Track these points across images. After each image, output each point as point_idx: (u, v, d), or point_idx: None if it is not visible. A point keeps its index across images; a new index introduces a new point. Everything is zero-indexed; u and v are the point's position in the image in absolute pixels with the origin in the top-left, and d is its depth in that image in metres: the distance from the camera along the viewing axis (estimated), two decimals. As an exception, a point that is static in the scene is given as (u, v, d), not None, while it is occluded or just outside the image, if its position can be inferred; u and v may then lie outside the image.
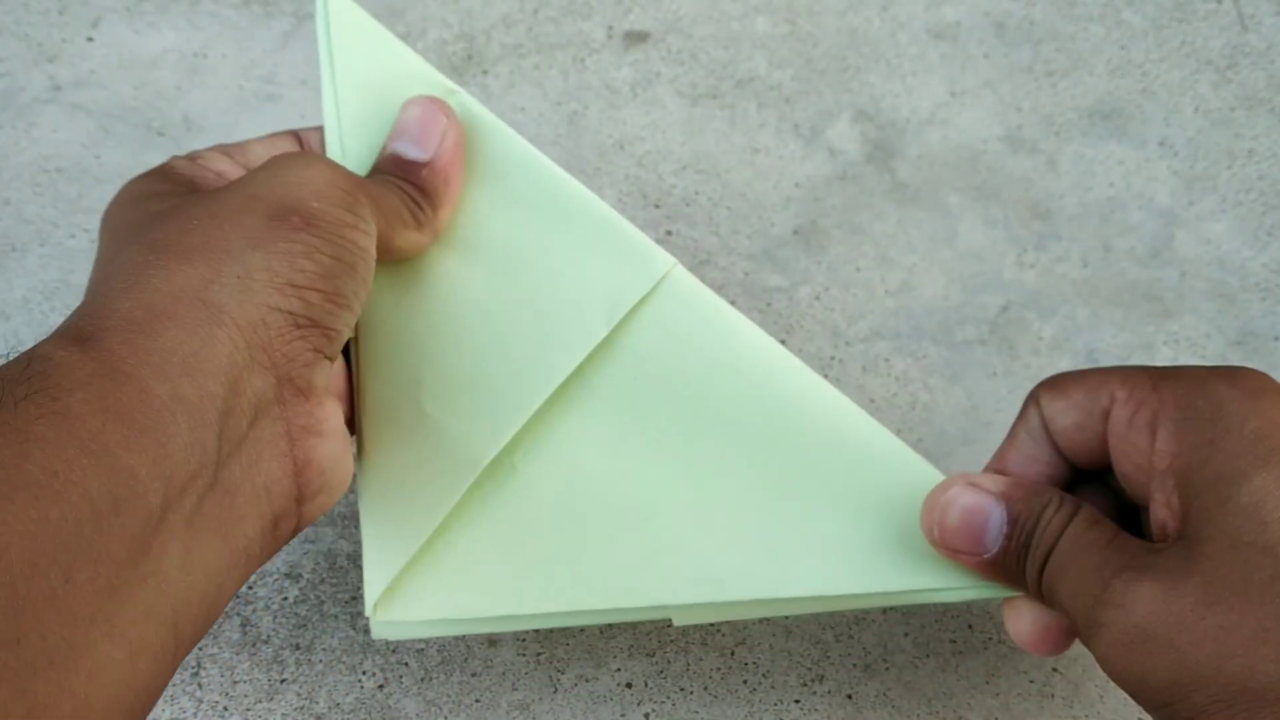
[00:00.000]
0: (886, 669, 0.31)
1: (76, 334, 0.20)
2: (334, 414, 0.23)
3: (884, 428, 0.26)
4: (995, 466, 0.25)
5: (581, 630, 0.31)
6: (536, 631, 0.31)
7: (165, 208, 0.23)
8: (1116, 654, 0.20)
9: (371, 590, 0.26)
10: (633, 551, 0.26)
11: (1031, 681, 0.30)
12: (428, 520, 0.26)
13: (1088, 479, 0.25)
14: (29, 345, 0.36)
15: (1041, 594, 0.23)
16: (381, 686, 0.30)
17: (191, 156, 0.26)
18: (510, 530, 0.26)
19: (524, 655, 0.31)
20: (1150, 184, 0.40)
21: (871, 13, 0.44)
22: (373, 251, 0.23)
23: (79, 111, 0.41)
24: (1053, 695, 0.30)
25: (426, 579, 0.26)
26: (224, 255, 0.21)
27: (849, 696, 0.30)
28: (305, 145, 0.27)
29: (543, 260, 0.27)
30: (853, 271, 0.38)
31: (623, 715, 0.30)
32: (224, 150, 0.26)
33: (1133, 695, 0.21)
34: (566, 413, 0.26)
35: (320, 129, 0.28)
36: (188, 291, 0.20)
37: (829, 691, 0.30)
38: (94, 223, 0.38)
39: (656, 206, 0.39)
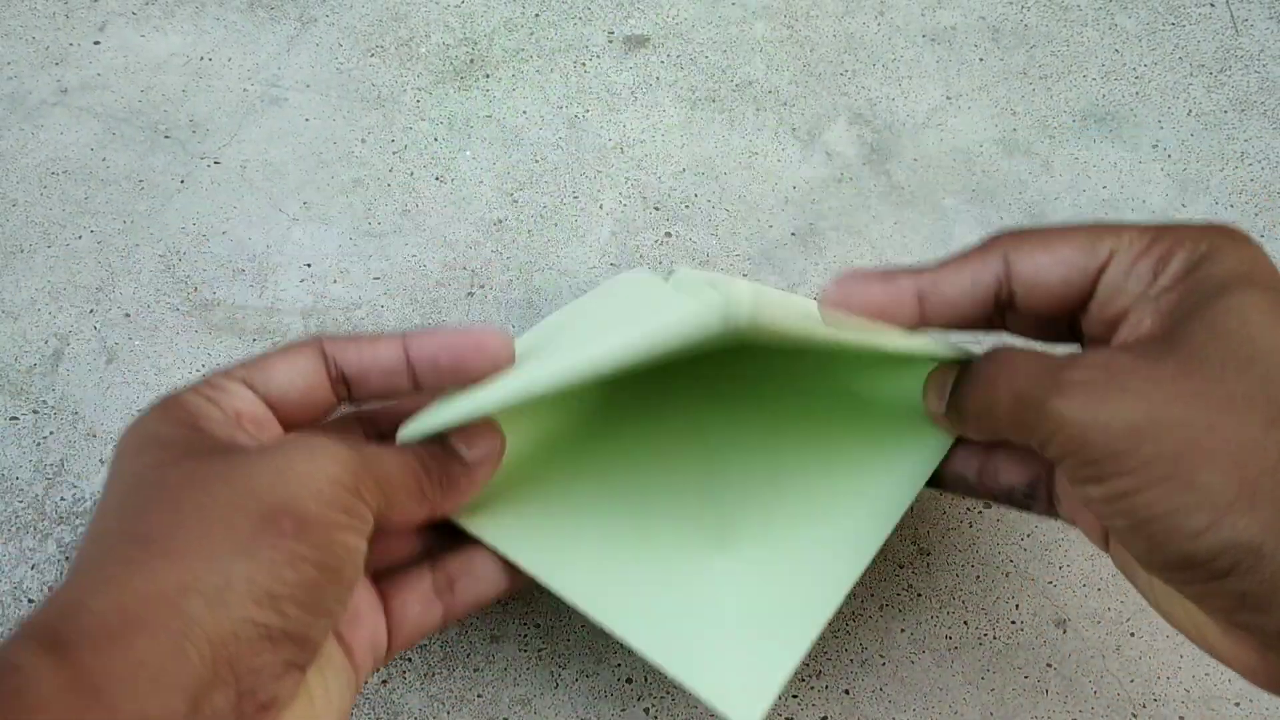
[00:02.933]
0: (883, 664, 0.31)
1: (51, 638, 0.19)
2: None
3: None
4: (928, 285, 0.26)
5: (583, 626, 0.31)
6: (538, 627, 0.31)
7: (164, 479, 0.22)
8: (1082, 402, 0.21)
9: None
10: None
11: (1026, 677, 0.31)
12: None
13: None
14: (35, 345, 0.36)
15: (990, 420, 0.24)
16: (385, 682, 0.31)
17: (209, 387, 0.25)
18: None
19: (525, 651, 0.31)
20: (1144, 186, 0.40)
21: (868, 17, 0.45)
22: (363, 549, 0.23)
23: (86, 114, 0.41)
24: (1047, 691, 0.30)
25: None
26: (206, 561, 0.20)
27: (846, 691, 0.31)
28: (330, 361, 0.26)
29: None
30: (850, 273, 0.38)
31: (623, 710, 0.30)
32: (245, 377, 0.25)
33: (1073, 451, 0.21)
34: None
35: (350, 340, 0.26)
36: (164, 598, 0.20)
37: (826, 687, 0.31)
38: (101, 225, 0.39)
39: (656, 209, 0.40)
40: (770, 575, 0.27)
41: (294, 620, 0.21)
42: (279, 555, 0.21)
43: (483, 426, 0.26)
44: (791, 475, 0.29)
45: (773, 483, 0.29)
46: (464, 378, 0.25)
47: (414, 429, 0.25)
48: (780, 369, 0.31)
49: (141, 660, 0.19)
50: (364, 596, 0.26)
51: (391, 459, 0.24)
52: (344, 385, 0.26)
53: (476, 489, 0.26)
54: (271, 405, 0.25)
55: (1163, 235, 0.23)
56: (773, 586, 0.27)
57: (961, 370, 0.25)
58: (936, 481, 0.28)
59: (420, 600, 0.27)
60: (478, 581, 0.27)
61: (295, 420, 0.25)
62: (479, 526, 0.27)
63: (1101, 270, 0.24)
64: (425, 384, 0.26)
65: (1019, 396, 0.22)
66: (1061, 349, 0.24)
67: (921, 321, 0.25)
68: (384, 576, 0.27)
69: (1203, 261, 0.22)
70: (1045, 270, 0.24)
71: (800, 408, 0.31)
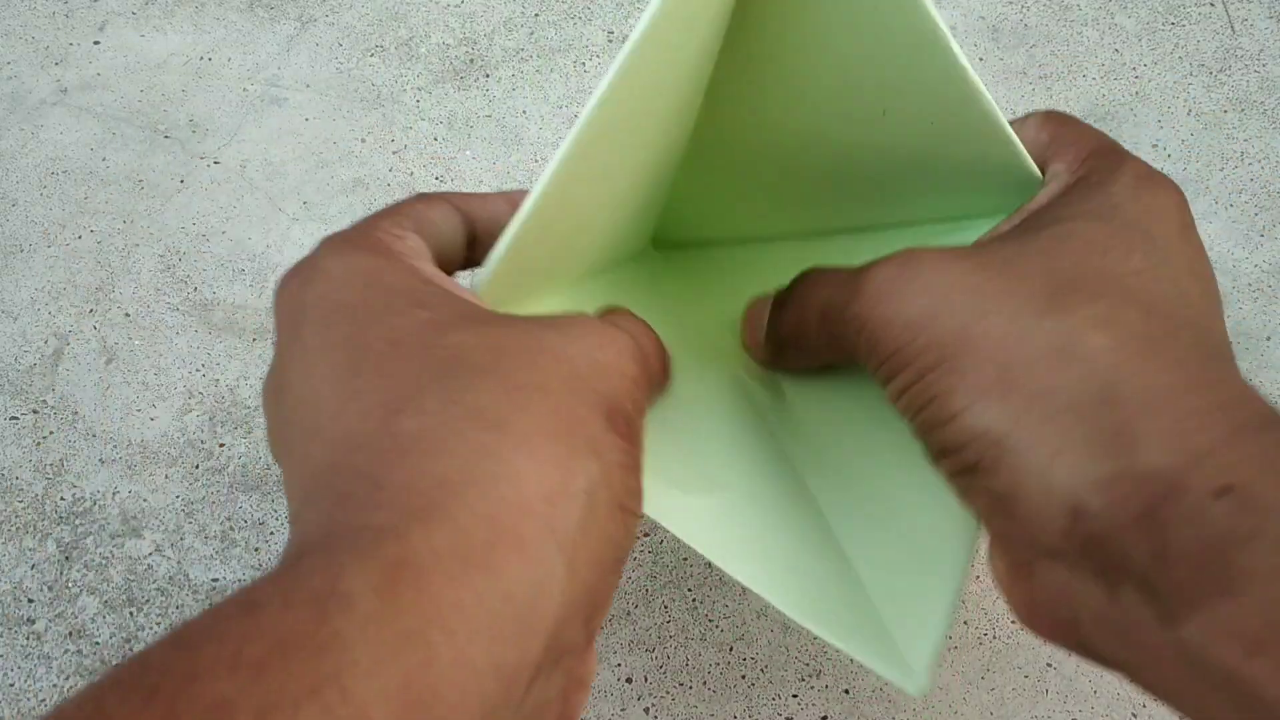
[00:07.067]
0: (883, 664, 0.31)
1: (392, 562, 0.14)
2: (594, 656, 0.18)
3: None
4: None
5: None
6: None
7: (464, 343, 0.17)
8: (873, 301, 0.20)
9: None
10: None
11: (1026, 677, 0.31)
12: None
13: None
14: (35, 345, 0.36)
15: (802, 339, 0.23)
16: (385, 681, 0.31)
17: (395, 227, 0.20)
18: None
19: (525, 650, 0.31)
20: (1144, 186, 0.40)
21: (868, 17, 0.45)
22: None
23: (85, 114, 0.41)
24: (1046, 691, 0.30)
25: None
26: (570, 459, 0.16)
27: (846, 691, 0.31)
28: (465, 220, 0.22)
29: None
30: (850, 272, 0.38)
31: (623, 710, 0.30)
32: (416, 229, 0.21)
33: (870, 350, 0.20)
34: None
35: (474, 196, 0.23)
36: (535, 508, 0.15)
37: (826, 686, 0.31)
38: (101, 224, 0.39)
39: (656, 208, 0.40)
40: (889, 538, 0.24)
41: (630, 538, 0.17)
42: (624, 459, 0.17)
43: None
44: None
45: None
46: None
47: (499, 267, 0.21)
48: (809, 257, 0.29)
49: (508, 593, 0.15)
50: None
51: (653, 346, 0.21)
52: (469, 248, 0.22)
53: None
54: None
55: (1089, 153, 0.23)
56: (895, 548, 0.24)
57: (775, 300, 0.24)
58: None
59: None
60: None
61: None
62: None
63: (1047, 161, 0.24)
64: None
65: (825, 309, 0.22)
66: None
67: None
68: None
69: (1085, 178, 0.22)
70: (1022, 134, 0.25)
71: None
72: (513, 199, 0.22)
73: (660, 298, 0.29)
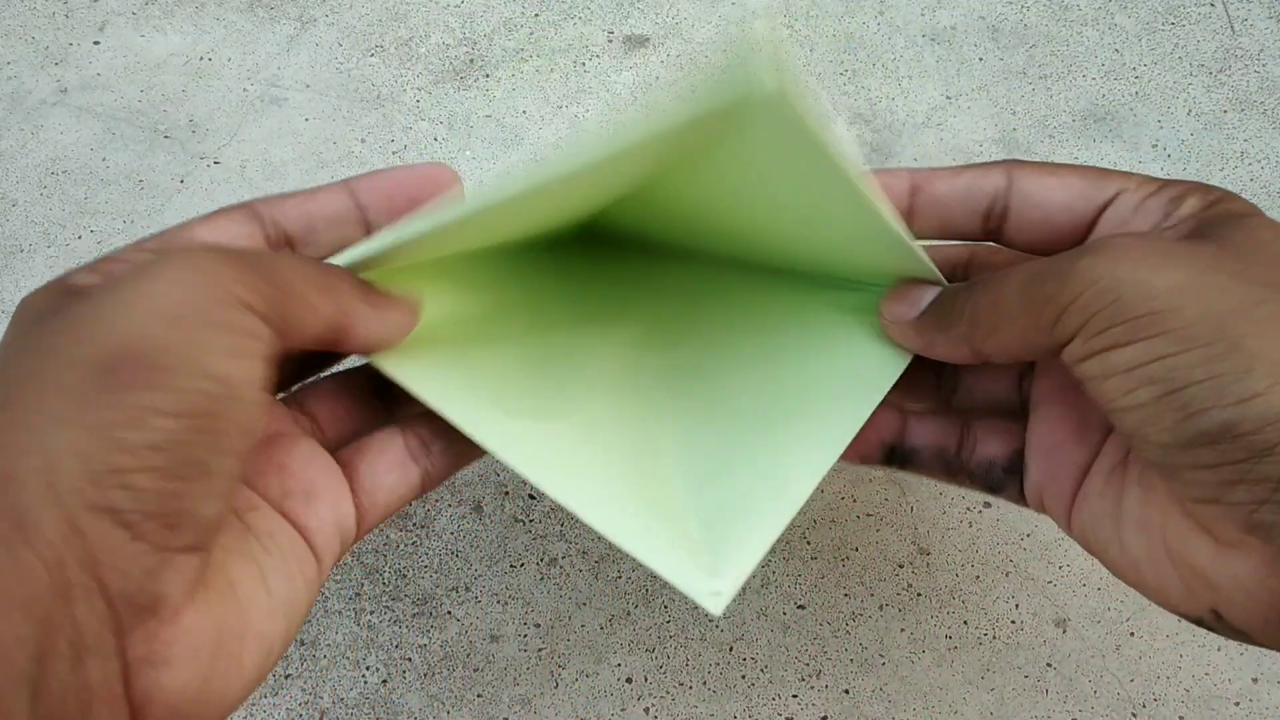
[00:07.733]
0: (883, 664, 0.31)
1: None
2: (192, 629, 0.17)
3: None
4: (923, 179, 0.24)
5: (583, 626, 0.31)
6: (538, 627, 0.31)
7: (6, 349, 0.18)
8: (1116, 259, 0.19)
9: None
10: None
11: (1026, 677, 0.31)
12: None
13: None
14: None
15: (997, 312, 0.22)
16: (385, 681, 0.31)
17: (103, 260, 0.20)
18: None
19: (525, 651, 0.31)
20: (1144, 186, 0.40)
21: (868, 17, 0.45)
22: (258, 375, 0.18)
23: (86, 114, 0.41)
24: (1046, 691, 0.30)
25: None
26: (25, 438, 0.16)
27: (846, 691, 0.31)
28: (266, 223, 0.22)
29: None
30: (850, 272, 0.38)
31: (623, 710, 0.30)
32: (154, 248, 0.21)
33: (1100, 310, 0.19)
34: None
35: (286, 196, 0.22)
36: None
37: (826, 686, 0.31)
38: (101, 224, 0.39)
39: (656, 208, 0.40)
40: (721, 464, 0.25)
41: (154, 495, 0.16)
42: (116, 415, 0.16)
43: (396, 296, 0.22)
44: (739, 375, 0.27)
45: (719, 377, 0.28)
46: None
47: (349, 256, 0.22)
48: (730, 283, 0.29)
49: None
50: (317, 467, 0.22)
51: (287, 256, 0.19)
52: (288, 247, 0.22)
53: (396, 323, 0.22)
54: None
55: (1171, 183, 0.22)
56: (724, 475, 0.25)
57: (965, 283, 0.23)
58: (911, 461, 0.27)
59: (394, 465, 0.23)
60: (456, 441, 0.23)
61: None
62: (402, 370, 0.22)
63: (1106, 205, 0.23)
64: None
65: (1038, 274, 0.20)
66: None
67: (908, 215, 0.24)
68: (343, 446, 0.23)
69: (1217, 203, 0.21)
70: (1049, 190, 0.23)
71: (746, 315, 0.29)
72: (342, 192, 0.22)
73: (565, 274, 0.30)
